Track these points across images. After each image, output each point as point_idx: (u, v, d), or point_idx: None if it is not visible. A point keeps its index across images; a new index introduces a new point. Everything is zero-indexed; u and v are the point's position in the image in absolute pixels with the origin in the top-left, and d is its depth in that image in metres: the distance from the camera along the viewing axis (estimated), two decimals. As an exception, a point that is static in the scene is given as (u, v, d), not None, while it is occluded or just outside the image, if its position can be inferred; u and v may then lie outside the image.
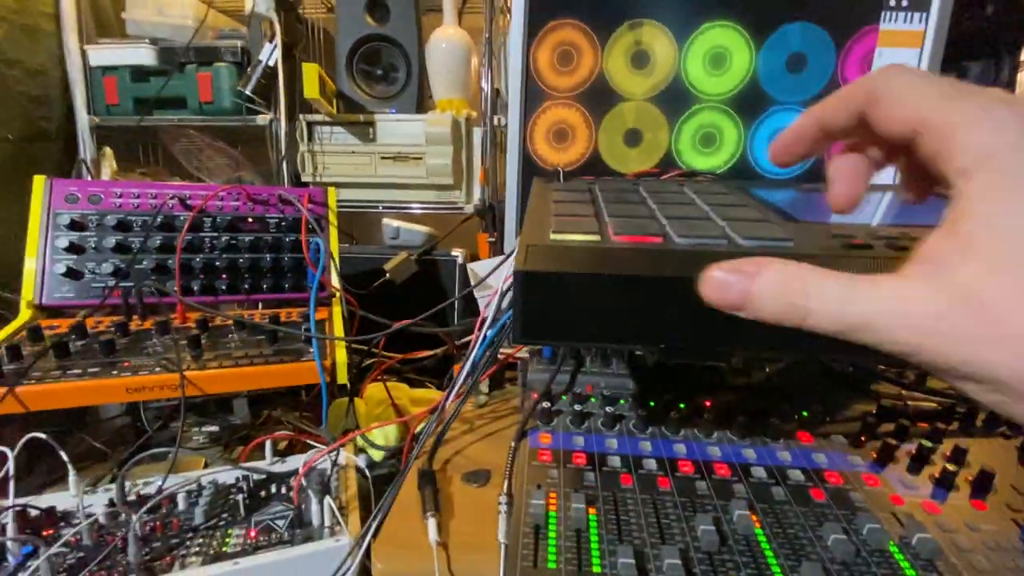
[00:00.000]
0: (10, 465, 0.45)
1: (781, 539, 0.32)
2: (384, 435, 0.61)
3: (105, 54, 1.13)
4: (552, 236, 0.32)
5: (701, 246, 0.30)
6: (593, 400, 0.46)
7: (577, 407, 0.43)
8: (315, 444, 0.59)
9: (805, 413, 0.45)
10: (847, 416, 0.45)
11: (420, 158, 1.08)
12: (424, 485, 0.41)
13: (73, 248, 0.61)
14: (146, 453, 0.56)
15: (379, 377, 0.71)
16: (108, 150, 1.10)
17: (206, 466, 0.63)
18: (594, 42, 0.60)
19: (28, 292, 0.59)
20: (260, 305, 0.72)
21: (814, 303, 0.19)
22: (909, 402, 0.48)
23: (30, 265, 0.59)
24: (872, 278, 0.19)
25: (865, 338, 0.19)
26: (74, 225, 0.61)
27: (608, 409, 0.43)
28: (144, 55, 1.12)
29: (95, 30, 1.18)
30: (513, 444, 0.41)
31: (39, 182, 0.62)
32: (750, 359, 0.49)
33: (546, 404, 0.43)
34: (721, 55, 0.58)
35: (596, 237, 0.31)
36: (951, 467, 0.36)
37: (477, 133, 1.10)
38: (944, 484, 0.36)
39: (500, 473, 0.45)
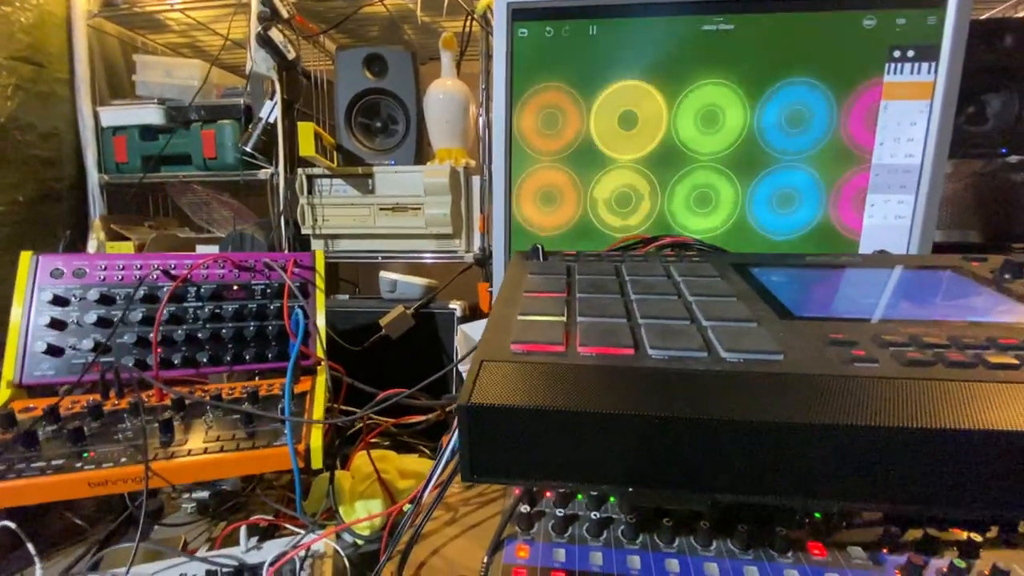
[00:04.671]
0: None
1: None
2: (370, 520, 0.57)
3: (116, 114, 1.17)
4: (512, 346, 0.29)
5: (676, 360, 0.27)
6: (580, 498, 0.42)
7: (560, 512, 0.39)
8: (293, 528, 0.56)
9: (817, 515, 0.40)
10: (868, 520, 0.40)
11: (419, 208, 1.07)
12: (389, 604, 0.37)
13: (55, 324, 0.60)
14: (114, 548, 0.53)
15: (371, 441, 0.68)
16: (97, 222, 1.12)
17: (184, 546, 0.60)
18: (579, 103, 0.58)
19: (8, 371, 0.58)
20: (228, 377, 0.70)
21: None
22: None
23: (11, 343, 0.58)
24: None
25: None
26: (57, 300, 0.60)
27: (594, 515, 0.39)
28: (153, 114, 1.15)
29: (107, 93, 1.22)
30: (485, 560, 0.37)
31: (25, 258, 0.61)
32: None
33: (524, 508, 0.39)
34: (713, 113, 0.55)
35: (560, 348, 0.28)
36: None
37: (476, 181, 1.09)
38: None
39: (477, 583, 0.41)
